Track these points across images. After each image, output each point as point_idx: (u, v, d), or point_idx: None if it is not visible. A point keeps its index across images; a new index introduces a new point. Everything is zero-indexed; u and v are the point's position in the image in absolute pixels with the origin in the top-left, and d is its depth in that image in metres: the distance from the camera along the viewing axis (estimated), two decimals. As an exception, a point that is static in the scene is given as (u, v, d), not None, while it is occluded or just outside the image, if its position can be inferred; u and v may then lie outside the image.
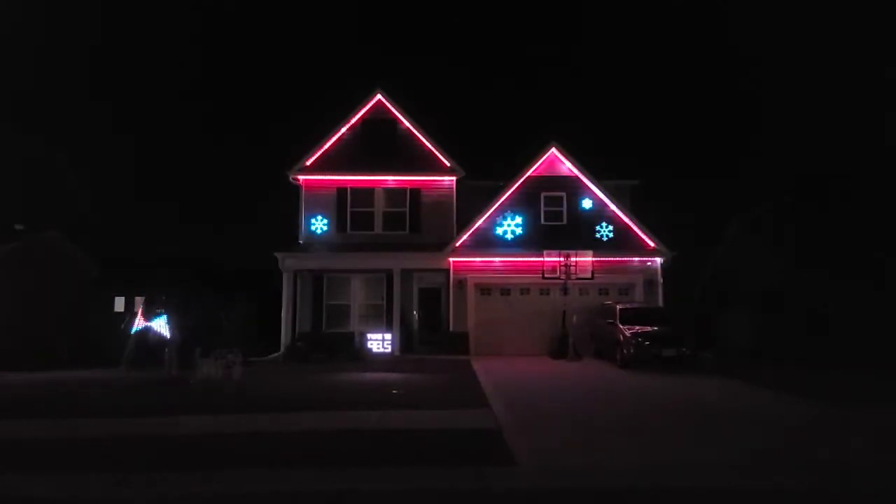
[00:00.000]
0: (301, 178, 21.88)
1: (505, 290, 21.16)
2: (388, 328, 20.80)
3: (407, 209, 21.99)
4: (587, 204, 21.19)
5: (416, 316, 21.74)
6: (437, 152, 21.94)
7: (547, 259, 19.60)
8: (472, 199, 21.58)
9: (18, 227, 24.53)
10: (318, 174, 21.91)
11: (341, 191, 21.99)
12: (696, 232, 25.98)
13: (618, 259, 20.50)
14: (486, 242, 20.99)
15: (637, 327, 16.72)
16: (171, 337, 16.80)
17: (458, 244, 20.78)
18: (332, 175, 21.90)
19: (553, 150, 21.23)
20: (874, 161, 22.25)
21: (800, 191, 22.82)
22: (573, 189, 21.33)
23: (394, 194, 22.11)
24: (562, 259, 19.31)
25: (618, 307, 18.11)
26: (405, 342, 20.72)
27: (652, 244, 20.69)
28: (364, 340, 20.48)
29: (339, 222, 21.91)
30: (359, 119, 22.24)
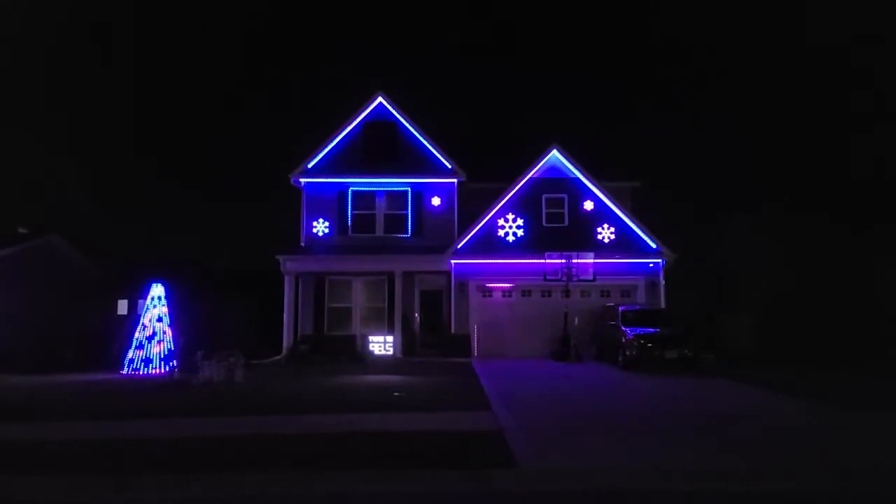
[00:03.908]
0: (302, 180, 21.90)
1: (506, 293, 21.16)
2: (390, 331, 20.80)
3: (408, 211, 22.01)
4: (589, 206, 21.18)
5: (418, 318, 21.73)
6: (438, 154, 21.95)
7: (548, 261, 19.59)
8: (474, 200, 21.59)
9: (22, 230, 24.61)
10: (319, 177, 21.93)
11: (342, 193, 22.02)
12: (699, 233, 25.95)
13: (619, 261, 20.48)
14: (488, 244, 20.99)
15: (639, 329, 16.70)
16: (173, 339, 16.84)
17: (459, 246, 20.78)
18: (334, 177, 21.93)
19: (554, 151, 21.23)
20: (874, 163, 22.21)
21: (801, 193, 22.81)
22: (575, 191, 21.32)
23: (395, 197, 22.13)
24: (563, 261, 19.30)
25: (620, 309, 18.09)
26: (407, 345, 20.71)
27: (654, 246, 20.66)
28: (366, 343, 20.49)
29: (340, 225, 21.92)
30: (360, 121, 22.25)
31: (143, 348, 16.65)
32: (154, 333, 16.80)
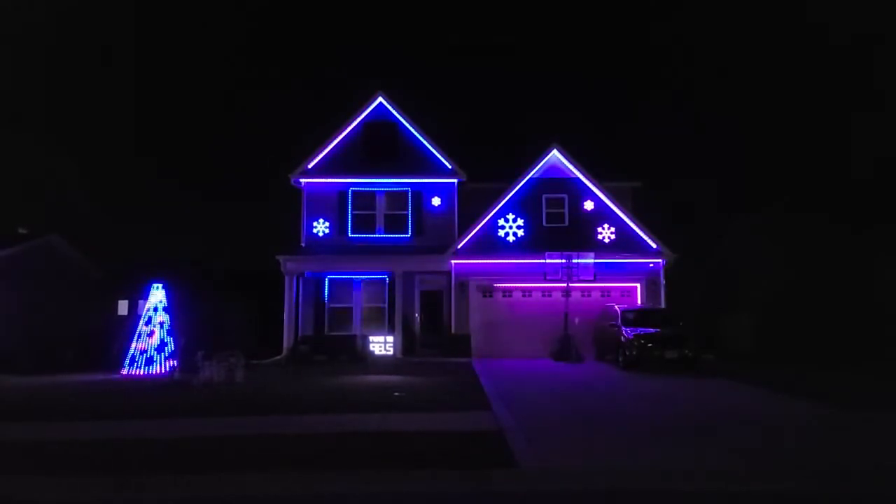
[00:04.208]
0: (303, 180, 21.90)
1: (507, 293, 21.15)
2: (390, 331, 20.80)
3: (408, 212, 22.00)
4: (589, 206, 21.17)
5: (418, 318, 21.73)
6: (438, 155, 21.95)
7: (549, 261, 19.59)
8: (474, 201, 21.58)
9: (22, 230, 24.61)
10: (319, 177, 21.93)
11: (343, 193, 22.01)
12: (699, 233, 25.95)
13: (620, 261, 20.46)
14: (488, 244, 20.98)
15: (639, 329, 16.69)
16: (173, 339, 16.85)
17: (459, 246, 20.78)
18: (334, 178, 21.92)
19: (555, 151, 21.21)
20: (875, 166, 22.20)
21: (801, 193, 22.82)
22: (575, 191, 21.31)
23: (395, 197, 22.12)
24: (564, 261, 19.30)
25: (620, 309, 18.08)
26: (407, 345, 20.71)
27: (654, 246, 20.65)
28: (366, 343, 20.47)
29: (340, 225, 21.92)
30: (360, 121, 22.25)
31: (143, 349, 16.64)
32: (154, 334, 16.79)
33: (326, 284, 21.66)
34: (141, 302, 20.26)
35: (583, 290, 20.40)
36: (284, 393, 12.50)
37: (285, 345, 20.21)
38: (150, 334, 16.79)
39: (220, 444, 7.96)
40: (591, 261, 19.50)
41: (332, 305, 21.65)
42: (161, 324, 16.98)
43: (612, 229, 20.95)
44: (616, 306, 18.58)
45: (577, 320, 19.58)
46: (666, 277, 20.73)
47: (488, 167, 22.94)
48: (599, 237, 20.89)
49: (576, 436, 8.40)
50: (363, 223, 21.99)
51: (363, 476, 6.51)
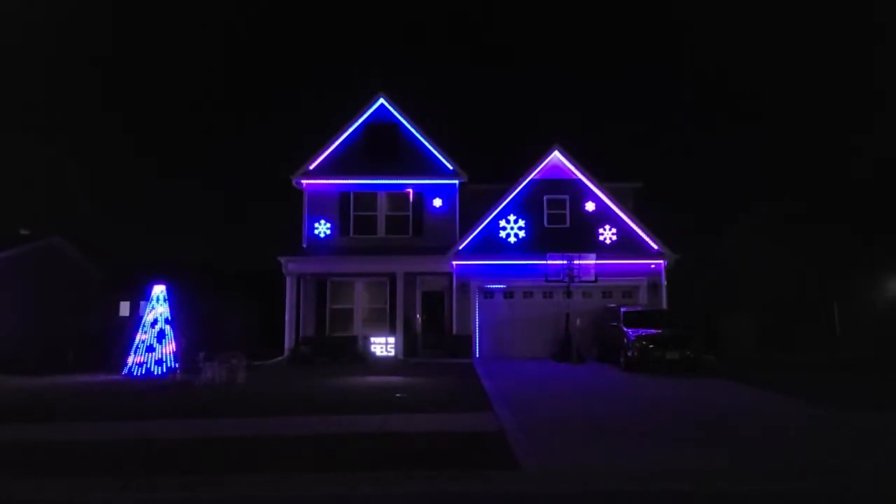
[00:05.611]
0: (304, 181, 21.92)
1: (508, 294, 21.16)
2: (392, 332, 20.81)
3: (410, 213, 22.01)
4: (590, 207, 21.16)
5: (420, 319, 21.73)
6: (439, 156, 21.96)
7: (550, 262, 19.59)
8: (475, 201, 21.60)
9: (24, 231, 24.66)
10: (321, 178, 21.95)
11: (344, 195, 22.03)
12: (700, 234, 25.96)
13: (621, 262, 20.45)
14: (490, 245, 20.98)
15: (641, 330, 16.68)
16: (175, 340, 16.86)
17: (461, 247, 20.78)
18: (335, 179, 21.94)
19: (556, 152, 21.20)
20: (876, 164, 22.19)
21: (802, 193, 22.80)
22: (576, 192, 21.31)
23: (397, 198, 22.14)
24: (565, 262, 19.30)
25: (621, 310, 18.08)
26: (408, 346, 20.72)
27: (655, 247, 20.63)
28: (367, 344, 20.49)
29: (342, 226, 21.93)
30: (361, 122, 22.27)
31: (145, 350, 16.66)
32: (157, 335, 16.81)
33: (328, 285, 21.67)
34: (142, 303, 20.32)
35: (584, 291, 20.40)
36: (286, 394, 12.51)
37: (287, 346, 20.22)
38: (153, 335, 16.79)
39: (220, 444, 7.98)
40: (593, 262, 19.49)
41: (333, 306, 21.66)
42: (163, 324, 16.98)
43: (614, 230, 20.94)
44: (617, 307, 18.57)
45: (578, 321, 19.57)
46: (667, 278, 20.70)
47: (490, 168, 23.01)
48: (601, 238, 20.88)
49: (577, 437, 8.39)
50: (364, 224, 21.99)
51: (364, 477, 6.52)
